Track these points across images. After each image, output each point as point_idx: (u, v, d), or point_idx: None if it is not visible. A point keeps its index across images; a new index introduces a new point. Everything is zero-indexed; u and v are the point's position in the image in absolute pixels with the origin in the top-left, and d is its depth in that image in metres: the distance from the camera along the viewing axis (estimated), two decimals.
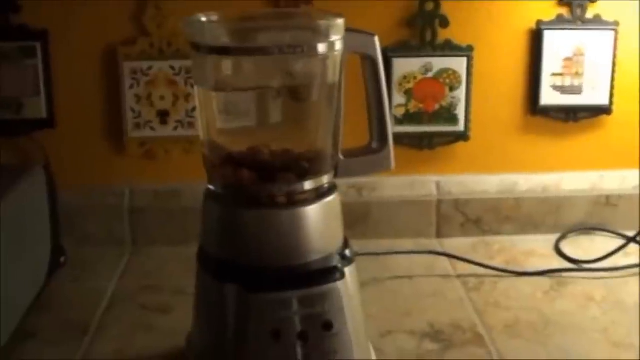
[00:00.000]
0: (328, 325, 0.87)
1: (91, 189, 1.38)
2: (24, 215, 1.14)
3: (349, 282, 0.89)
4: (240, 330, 0.86)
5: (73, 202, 1.34)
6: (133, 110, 1.35)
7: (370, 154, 0.96)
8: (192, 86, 1.33)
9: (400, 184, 1.41)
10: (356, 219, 1.38)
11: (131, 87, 1.34)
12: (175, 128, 1.36)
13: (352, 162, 0.95)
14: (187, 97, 1.34)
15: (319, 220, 0.89)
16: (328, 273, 0.88)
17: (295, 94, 0.92)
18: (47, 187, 1.23)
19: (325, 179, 0.91)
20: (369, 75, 0.94)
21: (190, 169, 1.35)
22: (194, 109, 1.35)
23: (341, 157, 0.94)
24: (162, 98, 1.34)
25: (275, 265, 0.87)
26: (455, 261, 1.31)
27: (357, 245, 0.94)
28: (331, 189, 0.92)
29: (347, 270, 0.90)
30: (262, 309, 0.85)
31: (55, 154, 1.30)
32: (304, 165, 0.90)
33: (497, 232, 1.42)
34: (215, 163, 0.93)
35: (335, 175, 0.93)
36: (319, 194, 0.90)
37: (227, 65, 0.91)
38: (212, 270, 0.90)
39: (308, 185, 0.89)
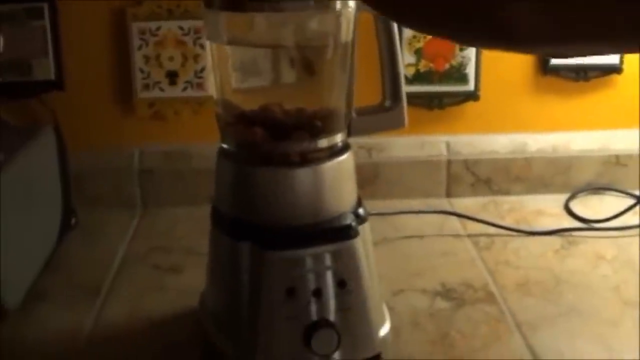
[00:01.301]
0: (342, 283, 0.87)
1: (100, 150, 1.38)
2: (34, 176, 1.14)
3: (362, 240, 0.89)
4: (255, 288, 0.86)
5: (82, 164, 1.34)
6: (142, 71, 1.34)
7: (383, 112, 0.96)
8: (202, 47, 1.33)
9: (410, 144, 1.41)
10: (366, 180, 1.37)
11: (140, 47, 1.33)
12: (185, 89, 1.35)
13: (365, 120, 0.95)
14: (196, 57, 1.34)
15: (333, 179, 0.89)
16: (342, 231, 0.88)
17: (308, 66, 0.92)
18: (57, 148, 1.23)
19: (339, 138, 0.91)
20: (381, 33, 0.93)
21: (200, 130, 1.35)
22: (202, 70, 1.34)
23: (354, 115, 0.93)
24: (171, 59, 1.34)
25: (290, 224, 0.87)
26: (465, 221, 1.31)
27: (367, 205, 0.94)
28: (344, 148, 0.91)
29: (361, 228, 0.89)
30: (277, 267, 0.85)
31: (64, 116, 1.29)
32: (317, 123, 0.90)
33: (507, 192, 1.42)
34: (229, 121, 0.92)
35: (349, 134, 0.93)
36: (333, 153, 0.90)
37: (239, 21, 0.90)
38: (226, 229, 0.90)
39: (322, 143, 0.89)
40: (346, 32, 0.89)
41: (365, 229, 0.90)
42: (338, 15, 0.88)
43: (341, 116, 0.92)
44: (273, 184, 0.88)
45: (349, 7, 0.87)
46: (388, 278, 1.11)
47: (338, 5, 0.86)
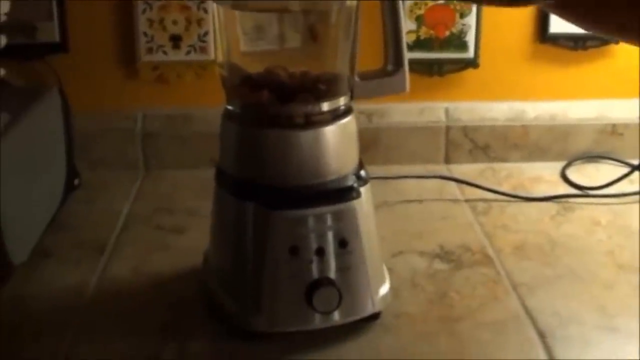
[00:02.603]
0: (343, 242, 0.89)
1: (104, 113, 1.39)
2: (39, 136, 1.16)
3: (364, 202, 0.91)
4: (259, 247, 0.88)
5: (86, 126, 1.35)
6: (146, 35, 1.35)
7: (385, 76, 0.97)
8: (205, 11, 1.34)
9: (409, 110, 1.43)
10: (366, 145, 1.38)
11: (144, 11, 1.34)
12: (188, 52, 1.37)
13: (367, 84, 0.96)
14: (200, 21, 1.35)
15: (336, 141, 0.91)
16: (344, 192, 0.90)
17: (311, 30, 0.93)
18: (62, 110, 1.24)
19: (342, 101, 0.92)
20: None
21: (203, 94, 1.37)
22: (206, 34, 1.35)
23: (357, 79, 0.95)
24: (174, 22, 1.35)
25: (293, 184, 0.89)
26: (463, 186, 1.33)
27: (368, 170, 0.96)
28: (347, 111, 0.93)
29: (363, 190, 0.91)
30: (281, 226, 0.87)
31: (68, 78, 1.31)
32: (321, 87, 0.91)
33: (505, 159, 1.44)
34: (234, 84, 0.94)
35: (351, 97, 0.94)
36: (336, 115, 0.91)
37: None
38: (231, 189, 0.92)
39: (325, 106, 0.90)
40: None
41: (366, 191, 0.92)
42: None
43: (344, 80, 0.93)
44: (277, 146, 0.89)
45: None
46: (388, 240, 1.13)
47: None
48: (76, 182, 1.30)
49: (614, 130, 1.45)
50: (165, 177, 1.38)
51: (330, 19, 0.93)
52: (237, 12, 0.93)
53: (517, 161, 1.44)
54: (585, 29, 0.72)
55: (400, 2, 0.95)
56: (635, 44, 0.68)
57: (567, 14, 0.70)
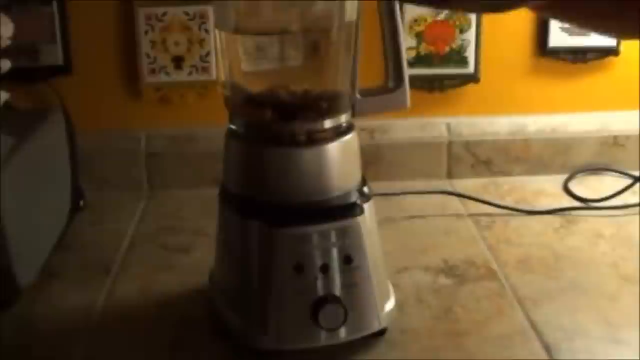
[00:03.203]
0: (348, 259, 0.89)
1: (108, 134, 1.40)
2: (44, 158, 1.17)
3: (367, 218, 0.92)
4: (264, 265, 0.89)
5: (90, 147, 1.36)
6: (148, 56, 1.37)
7: (386, 92, 0.98)
8: (207, 31, 1.35)
9: (411, 126, 1.43)
10: (368, 161, 1.38)
11: (146, 32, 1.36)
12: (190, 73, 1.38)
13: (369, 101, 0.97)
14: (201, 42, 1.36)
15: (338, 158, 0.91)
16: (348, 208, 0.91)
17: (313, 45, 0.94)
18: (66, 131, 1.25)
19: (344, 118, 0.93)
20: (385, 15, 0.95)
21: (205, 113, 1.38)
22: (208, 54, 1.36)
23: (358, 96, 0.96)
24: (176, 43, 1.36)
25: (297, 202, 0.90)
26: (466, 201, 1.34)
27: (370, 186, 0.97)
28: (349, 128, 0.94)
29: (366, 206, 0.92)
30: (286, 244, 0.88)
31: (72, 100, 1.31)
32: (322, 104, 0.92)
33: (507, 173, 1.45)
34: (237, 103, 0.95)
35: (353, 114, 0.95)
36: (338, 132, 0.92)
37: (246, 7, 0.92)
38: (235, 207, 0.93)
39: (327, 123, 0.91)
40: (350, 14, 0.92)
41: (369, 207, 0.93)
42: None
43: (346, 97, 0.94)
44: (281, 163, 0.90)
45: None
46: (392, 256, 1.13)
47: None
48: (81, 203, 1.31)
49: (615, 142, 1.45)
50: (169, 197, 1.38)
51: (330, 36, 0.93)
52: (238, 35, 0.94)
53: (519, 175, 1.44)
54: (577, 26, 0.72)
55: (400, 18, 0.95)
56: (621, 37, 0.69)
57: (556, 12, 0.70)
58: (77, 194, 1.29)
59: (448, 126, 1.44)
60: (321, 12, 0.92)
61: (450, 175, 1.44)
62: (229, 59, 0.95)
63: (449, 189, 1.39)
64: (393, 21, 0.95)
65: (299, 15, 0.92)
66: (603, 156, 1.46)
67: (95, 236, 1.25)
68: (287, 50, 0.96)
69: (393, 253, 1.15)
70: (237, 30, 0.94)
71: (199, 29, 1.35)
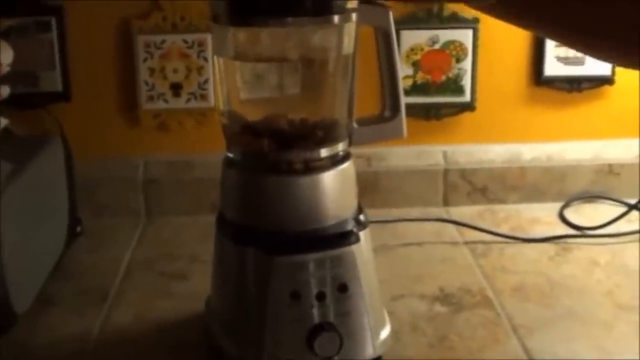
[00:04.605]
0: (343, 287, 0.90)
1: (106, 160, 1.41)
2: (42, 185, 1.17)
3: (363, 246, 0.92)
4: (260, 293, 0.89)
5: (88, 174, 1.37)
6: (147, 83, 1.38)
7: (383, 122, 0.99)
8: (205, 59, 1.36)
9: (408, 153, 1.44)
10: (365, 188, 1.40)
11: (145, 60, 1.37)
12: (188, 100, 1.39)
13: (365, 130, 0.98)
14: (200, 69, 1.37)
15: (335, 186, 0.92)
16: (344, 237, 0.91)
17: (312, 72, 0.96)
18: (64, 158, 1.26)
19: (341, 147, 0.94)
20: (382, 46, 0.96)
21: (203, 141, 1.39)
22: (206, 82, 1.37)
23: (355, 125, 0.97)
24: (175, 71, 1.37)
25: (293, 230, 0.90)
26: (462, 228, 1.34)
27: (366, 213, 0.98)
28: (346, 156, 0.94)
29: (362, 234, 0.92)
30: (282, 271, 0.88)
31: (71, 127, 1.31)
32: (319, 133, 0.93)
33: (503, 201, 1.45)
34: (235, 132, 0.96)
35: (350, 143, 0.96)
36: (335, 161, 0.93)
37: (245, 36, 0.93)
38: (231, 235, 0.93)
39: (324, 152, 0.92)
40: (347, 45, 0.92)
41: (365, 235, 0.93)
42: (339, 30, 0.91)
43: (342, 126, 0.95)
44: (277, 192, 0.91)
45: (350, 21, 0.90)
46: (388, 283, 1.14)
47: (339, 19, 0.89)
48: (78, 229, 1.31)
49: (610, 170, 1.46)
50: (167, 224, 1.39)
51: (327, 66, 0.94)
52: (237, 63, 0.95)
53: (515, 203, 1.45)
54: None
55: (396, 48, 0.96)
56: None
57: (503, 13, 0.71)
58: (74, 220, 1.29)
59: (444, 154, 1.45)
60: (318, 43, 0.93)
61: (446, 202, 1.45)
62: (227, 86, 0.96)
63: (445, 216, 1.40)
64: (390, 52, 0.96)
65: (296, 45, 0.93)
66: (598, 184, 1.46)
67: (93, 263, 1.26)
68: (284, 79, 0.97)
69: (389, 280, 1.15)
70: (236, 57, 0.95)
71: (198, 56, 1.37)
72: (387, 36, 0.95)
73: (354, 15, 0.90)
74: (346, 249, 0.90)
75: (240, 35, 0.93)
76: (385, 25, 0.95)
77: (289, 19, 0.86)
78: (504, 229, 1.34)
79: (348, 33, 0.92)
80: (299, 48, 0.93)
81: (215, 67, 0.98)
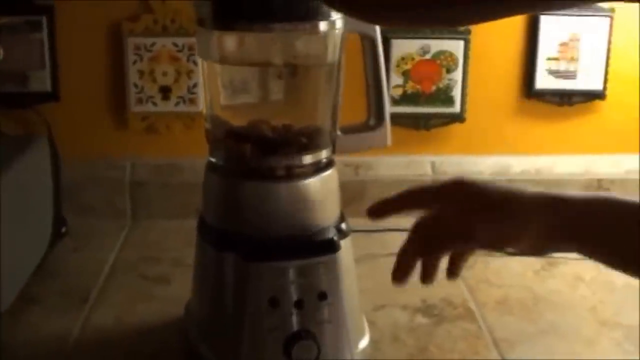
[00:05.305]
0: (323, 295, 0.89)
1: (93, 162, 1.40)
2: (27, 184, 1.17)
3: (344, 255, 0.92)
4: (238, 298, 0.89)
5: (75, 175, 1.36)
6: (136, 86, 1.37)
7: (367, 130, 0.99)
8: (195, 63, 1.36)
9: (396, 163, 1.44)
10: (352, 197, 1.39)
11: (134, 62, 1.36)
12: (177, 104, 1.38)
13: (349, 138, 0.97)
14: (189, 73, 1.37)
15: (317, 194, 0.92)
16: (324, 245, 0.91)
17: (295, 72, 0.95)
18: (51, 158, 1.25)
19: (324, 154, 0.94)
20: (367, 54, 0.96)
21: (191, 145, 1.38)
22: (195, 86, 1.37)
23: (339, 133, 0.96)
24: (164, 74, 1.37)
25: (274, 236, 0.90)
26: None
27: (353, 222, 0.97)
28: (329, 164, 0.94)
29: (343, 243, 0.92)
30: (260, 278, 0.88)
31: (59, 127, 1.32)
32: (303, 140, 0.92)
33: None
34: (218, 137, 0.95)
35: (333, 151, 0.95)
36: (317, 169, 0.93)
37: (230, 40, 0.93)
38: (212, 240, 0.93)
39: (307, 159, 0.92)
40: (332, 52, 0.92)
41: (347, 244, 0.93)
42: (324, 37, 0.91)
43: (326, 133, 0.95)
44: (259, 197, 0.90)
45: (335, 28, 0.90)
46: (371, 293, 1.13)
47: (325, 26, 0.88)
48: (63, 230, 1.30)
49: (599, 185, 1.46)
50: (153, 227, 1.38)
51: (312, 73, 0.94)
52: (221, 67, 0.95)
53: None
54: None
55: (382, 56, 0.96)
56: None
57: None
58: (60, 220, 1.28)
59: (433, 164, 1.44)
60: (302, 50, 0.93)
61: None
62: (211, 91, 0.96)
63: None
64: (375, 60, 0.96)
65: (280, 50, 0.92)
66: None
67: (76, 263, 1.25)
68: (268, 85, 0.96)
69: (372, 290, 1.14)
70: (221, 61, 0.94)
71: (188, 60, 1.36)
72: (372, 44, 0.95)
73: (339, 22, 0.89)
74: (326, 257, 0.90)
75: (225, 40, 0.93)
76: (371, 32, 0.95)
77: (274, 24, 0.86)
78: None
79: (333, 40, 0.92)
80: (284, 54, 0.93)
81: (201, 70, 0.98)
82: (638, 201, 0.73)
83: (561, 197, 0.76)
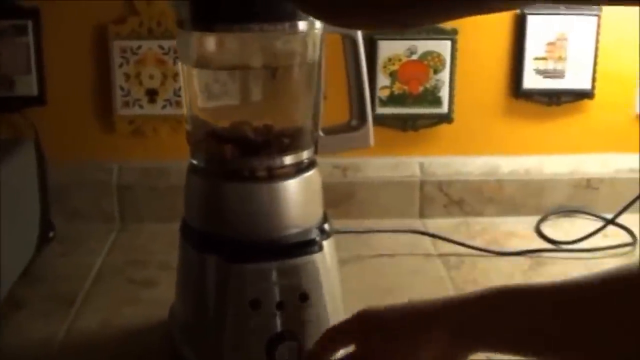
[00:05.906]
0: (304, 296, 0.89)
1: (80, 165, 1.40)
2: (14, 188, 1.16)
3: (326, 256, 0.91)
4: (220, 300, 0.89)
5: (62, 178, 1.36)
6: (122, 89, 1.37)
7: (349, 131, 0.98)
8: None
9: (384, 164, 1.43)
10: (340, 199, 1.40)
11: (120, 65, 1.36)
12: (164, 107, 1.38)
13: (331, 139, 0.97)
14: (176, 76, 1.36)
15: (299, 195, 0.91)
16: (306, 246, 0.90)
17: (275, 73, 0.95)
18: (37, 162, 1.25)
19: (305, 155, 0.93)
20: (348, 54, 0.96)
21: (178, 147, 1.35)
22: (182, 88, 1.37)
23: (321, 133, 0.96)
24: (151, 77, 1.37)
25: (255, 237, 0.90)
26: (437, 241, 1.34)
27: (341, 224, 0.97)
28: (311, 165, 0.94)
29: (325, 243, 0.92)
30: (242, 279, 0.88)
31: (46, 131, 1.31)
32: (284, 141, 0.92)
33: (480, 214, 1.45)
34: (199, 138, 0.95)
35: (315, 152, 0.95)
36: (299, 169, 0.92)
37: (209, 41, 0.93)
38: (194, 241, 0.93)
39: (288, 160, 0.91)
40: (312, 52, 0.92)
41: (329, 244, 0.93)
42: (304, 36, 0.91)
43: (308, 134, 0.94)
44: (240, 199, 0.90)
45: (315, 28, 0.90)
46: (358, 295, 1.12)
47: (304, 26, 0.88)
48: (51, 234, 1.30)
49: (588, 184, 1.45)
50: (140, 230, 1.38)
51: (292, 73, 0.94)
52: (199, 70, 0.94)
53: (491, 215, 1.44)
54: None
55: (363, 57, 0.96)
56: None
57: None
58: (46, 225, 1.28)
59: (421, 165, 1.44)
60: (282, 50, 0.93)
61: (422, 214, 1.44)
62: (190, 93, 0.96)
63: (421, 228, 1.39)
64: (357, 59, 0.96)
65: (260, 51, 0.92)
66: (576, 199, 1.46)
67: (63, 267, 1.25)
68: (249, 86, 0.96)
69: (358, 292, 1.14)
70: (200, 64, 0.94)
71: (174, 63, 1.36)
72: (354, 44, 0.95)
73: (318, 22, 0.89)
74: (308, 257, 0.90)
75: (204, 41, 0.93)
76: (352, 32, 0.94)
77: (253, 25, 0.85)
78: (479, 242, 1.33)
79: (313, 40, 0.91)
80: (264, 54, 0.93)
81: (180, 72, 0.98)
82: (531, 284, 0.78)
83: (454, 304, 0.81)
